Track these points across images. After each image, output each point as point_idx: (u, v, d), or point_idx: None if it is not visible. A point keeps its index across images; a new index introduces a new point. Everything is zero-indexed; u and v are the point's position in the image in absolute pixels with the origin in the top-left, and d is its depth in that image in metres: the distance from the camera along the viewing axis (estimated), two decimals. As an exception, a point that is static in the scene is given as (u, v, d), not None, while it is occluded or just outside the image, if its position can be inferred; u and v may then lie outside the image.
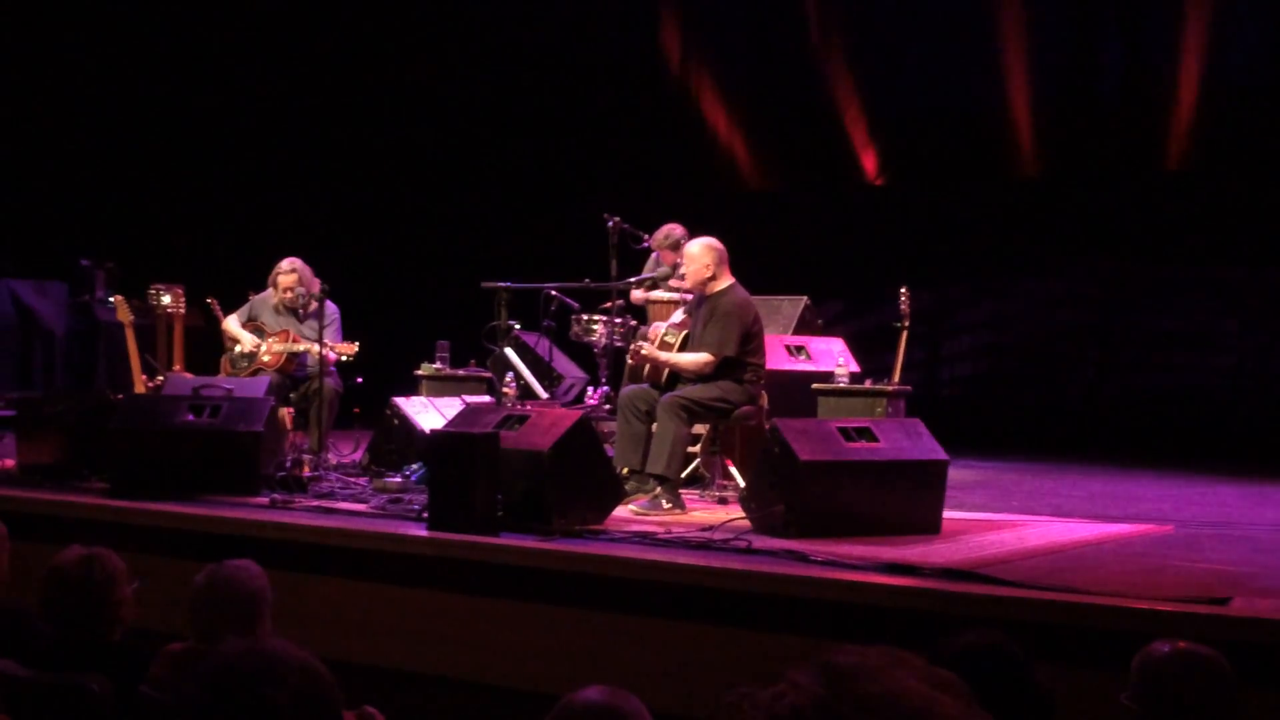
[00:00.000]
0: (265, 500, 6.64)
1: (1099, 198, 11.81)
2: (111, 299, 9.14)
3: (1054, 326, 12.14)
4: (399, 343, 9.76)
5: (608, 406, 8.15)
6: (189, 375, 8.13)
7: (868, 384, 8.11)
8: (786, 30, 12.92)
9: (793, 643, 4.83)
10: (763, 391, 7.15)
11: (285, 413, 8.01)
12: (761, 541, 5.64)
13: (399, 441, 7.88)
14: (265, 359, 8.23)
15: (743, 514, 6.24)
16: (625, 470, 6.84)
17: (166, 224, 12.47)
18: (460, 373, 8.98)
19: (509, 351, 8.56)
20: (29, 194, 12.01)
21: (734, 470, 7.26)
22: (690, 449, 7.20)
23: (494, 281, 8.46)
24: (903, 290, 8.38)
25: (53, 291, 11.68)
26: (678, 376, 7.01)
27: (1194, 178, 11.41)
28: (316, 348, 7.85)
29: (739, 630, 5.02)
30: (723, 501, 7.08)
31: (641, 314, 8.71)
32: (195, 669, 1.81)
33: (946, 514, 6.28)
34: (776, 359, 7.98)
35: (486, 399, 8.36)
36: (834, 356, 8.35)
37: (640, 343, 7.32)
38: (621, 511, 6.37)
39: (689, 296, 7.49)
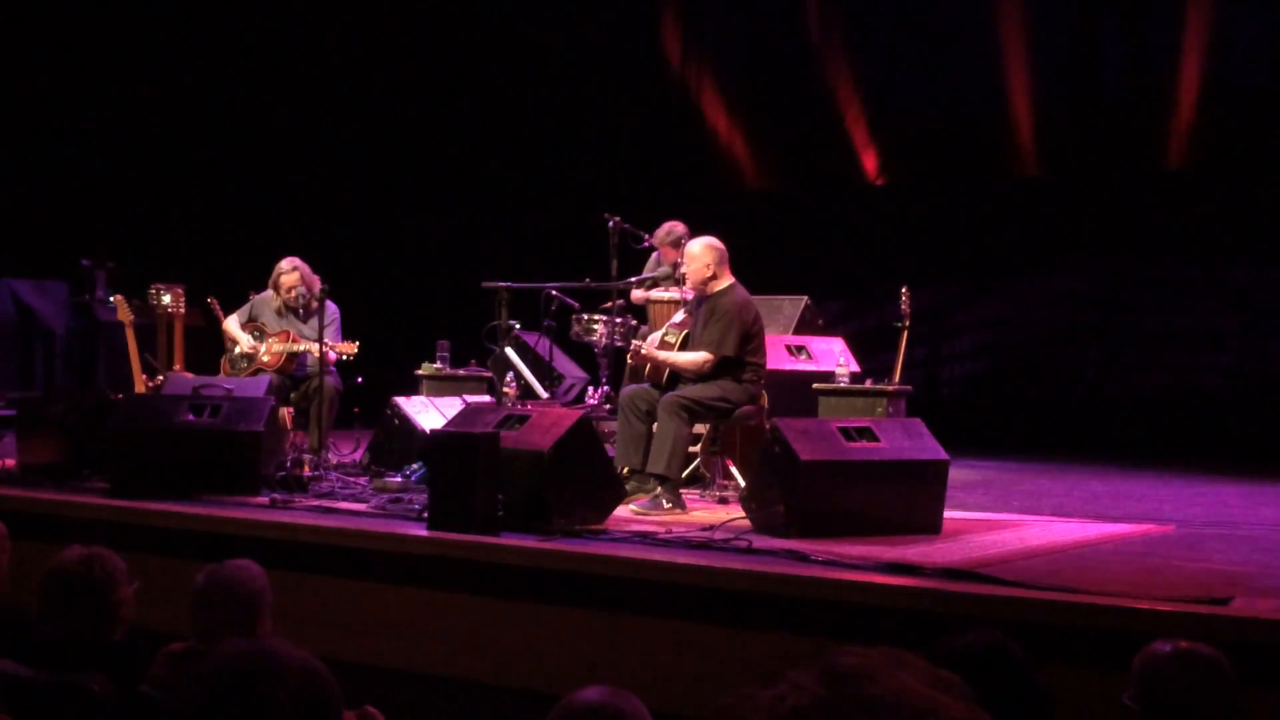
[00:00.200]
0: (265, 500, 6.64)
1: (1099, 197, 11.80)
2: (112, 299, 9.15)
3: (1054, 326, 12.14)
4: (399, 342, 9.77)
5: (608, 406, 8.15)
6: (189, 375, 8.13)
7: (868, 384, 8.12)
8: (787, 30, 12.92)
9: (793, 643, 4.83)
10: (763, 391, 7.15)
11: (285, 412, 8.01)
12: (762, 541, 5.64)
13: (399, 441, 7.88)
14: (265, 359, 8.23)
15: (743, 514, 6.24)
16: (626, 470, 6.84)
17: (167, 224, 12.48)
18: (461, 372, 8.99)
19: (509, 351, 8.56)
20: (29, 194, 12.01)
21: (734, 470, 7.26)
22: (691, 449, 7.20)
23: (494, 281, 8.47)
24: (903, 290, 8.38)
25: (53, 291, 11.68)
26: (678, 376, 7.01)
27: (1194, 177, 11.41)
28: (316, 347, 7.85)
29: (739, 630, 5.02)
30: (723, 501, 7.08)
31: (642, 313, 8.71)
32: (195, 669, 1.81)
33: (947, 514, 6.28)
34: (777, 359, 7.98)
35: (487, 399, 8.36)
36: (835, 356, 8.35)
37: (640, 342, 7.32)
38: (622, 511, 6.37)
39: (689, 296, 7.49)
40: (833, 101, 12.56)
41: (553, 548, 5.53)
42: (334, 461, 8.04)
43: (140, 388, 8.31)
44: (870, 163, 12.69)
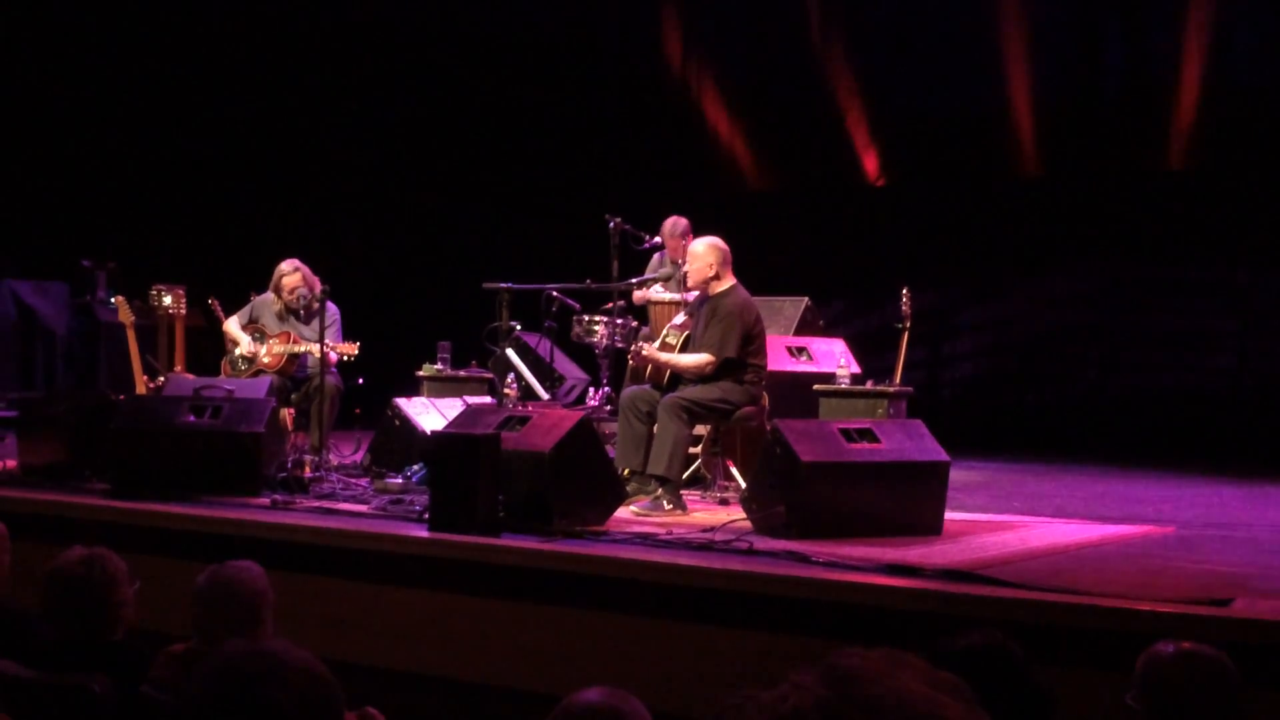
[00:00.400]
0: (266, 501, 6.64)
1: (1100, 198, 11.81)
2: (113, 299, 9.15)
3: (1055, 327, 12.15)
4: (400, 343, 9.77)
5: (609, 407, 8.15)
6: (190, 376, 8.13)
7: (869, 385, 8.11)
8: (788, 30, 12.92)
9: (794, 644, 4.83)
10: (764, 392, 7.15)
11: (286, 414, 8.01)
12: (763, 543, 5.64)
13: (400, 442, 7.88)
14: (266, 360, 8.22)
15: (744, 515, 6.24)
16: (626, 471, 6.84)
17: (168, 225, 12.48)
18: (461, 374, 8.99)
19: (510, 352, 8.56)
20: (30, 194, 12.01)
21: (735, 471, 7.26)
22: (691, 450, 7.20)
23: (495, 282, 8.47)
24: (904, 291, 8.37)
25: (54, 292, 11.68)
26: (679, 377, 7.01)
27: (1195, 178, 11.41)
28: (317, 349, 7.85)
29: (740, 631, 5.02)
30: (724, 502, 7.08)
31: (643, 315, 8.71)
32: (196, 670, 1.81)
33: (948, 515, 6.27)
34: (778, 360, 7.98)
35: (488, 400, 8.36)
36: (835, 357, 8.35)
37: (641, 343, 7.32)
38: (623, 512, 6.37)
39: (690, 297, 7.49)
40: (833, 102, 12.56)
41: (553, 549, 5.53)
42: (335, 463, 8.04)
43: (141, 389, 8.31)
44: (871, 163, 12.69)
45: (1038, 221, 12.07)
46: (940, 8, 12.47)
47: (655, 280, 8.72)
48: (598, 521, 6.03)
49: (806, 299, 9.11)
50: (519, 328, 8.69)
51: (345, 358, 8.04)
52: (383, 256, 13.09)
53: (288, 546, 5.98)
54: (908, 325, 8.31)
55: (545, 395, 8.64)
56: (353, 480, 7.44)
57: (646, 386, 7.11)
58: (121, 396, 7.87)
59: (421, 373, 8.96)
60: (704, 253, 7.05)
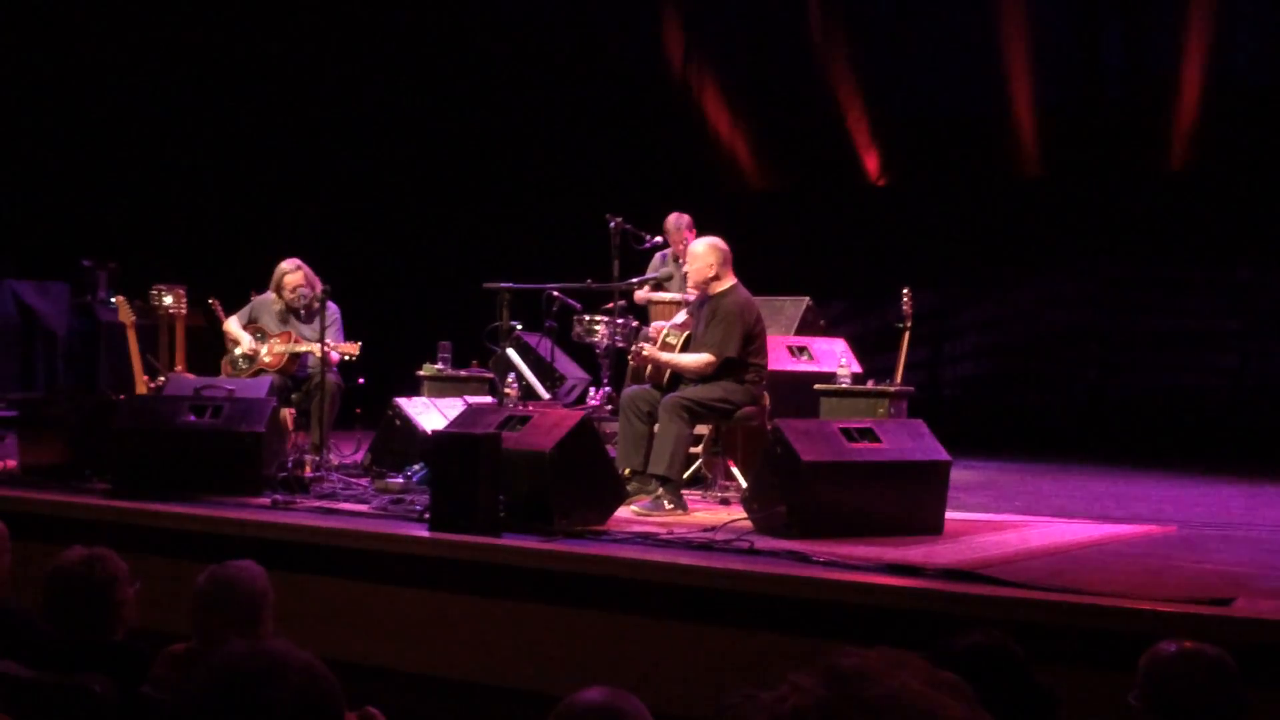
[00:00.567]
0: (267, 501, 6.64)
1: (1101, 198, 11.81)
2: (113, 299, 9.15)
3: (1056, 327, 12.14)
4: (401, 343, 9.77)
5: (609, 407, 8.15)
6: (191, 376, 8.13)
7: (870, 384, 8.11)
8: (789, 30, 12.92)
9: (794, 644, 4.83)
10: (765, 392, 7.15)
11: (287, 413, 8.01)
12: (763, 542, 5.64)
13: (401, 442, 7.88)
14: (267, 360, 8.22)
15: (745, 515, 6.24)
16: (627, 471, 6.84)
17: (168, 225, 12.47)
18: (462, 373, 8.98)
19: (511, 352, 8.56)
20: (31, 194, 12.01)
21: (736, 471, 7.26)
22: (692, 449, 7.20)
23: (496, 282, 8.46)
24: (905, 291, 8.37)
25: (55, 292, 11.68)
26: (680, 377, 7.00)
27: (1197, 178, 11.41)
28: (318, 348, 7.85)
29: (741, 631, 5.02)
30: (725, 502, 7.08)
31: (643, 314, 8.71)
32: (197, 670, 1.80)
33: (949, 515, 6.27)
34: (779, 359, 7.98)
35: (488, 400, 8.36)
36: (836, 357, 8.34)
37: (642, 343, 7.32)
38: (623, 512, 6.37)
39: (690, 297, 7.49)
40: (834, 102, 12.56)
41: (554, 548, 5.53)
42: (335, 462, 8.04)
43: (142, 389, 8.31)
44: (872, 163, 12.69)
45: (1038, 222, 12.06)
46: (940, 8, 12.48)
47: (656, 280, 8.73)
48: (598, 521, 6.03)
49: (807, 299, 9.10)
50: (520, 327, 8.69)
51: (347, 357, 8.04)
52: (383, 256, 13.08)
53: (288, 546, 5.98)
54: (908, 325, 8.31)
55: (546, 395, 8.64)
56: (353, 480, 7.44)
57: (647, 386, 7.11)
58: (122, 396, 7.87)
59: (422, 372, 8.96)
60: (704, 253, 7.04)
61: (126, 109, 12.44)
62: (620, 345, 8.31)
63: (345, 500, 6.79)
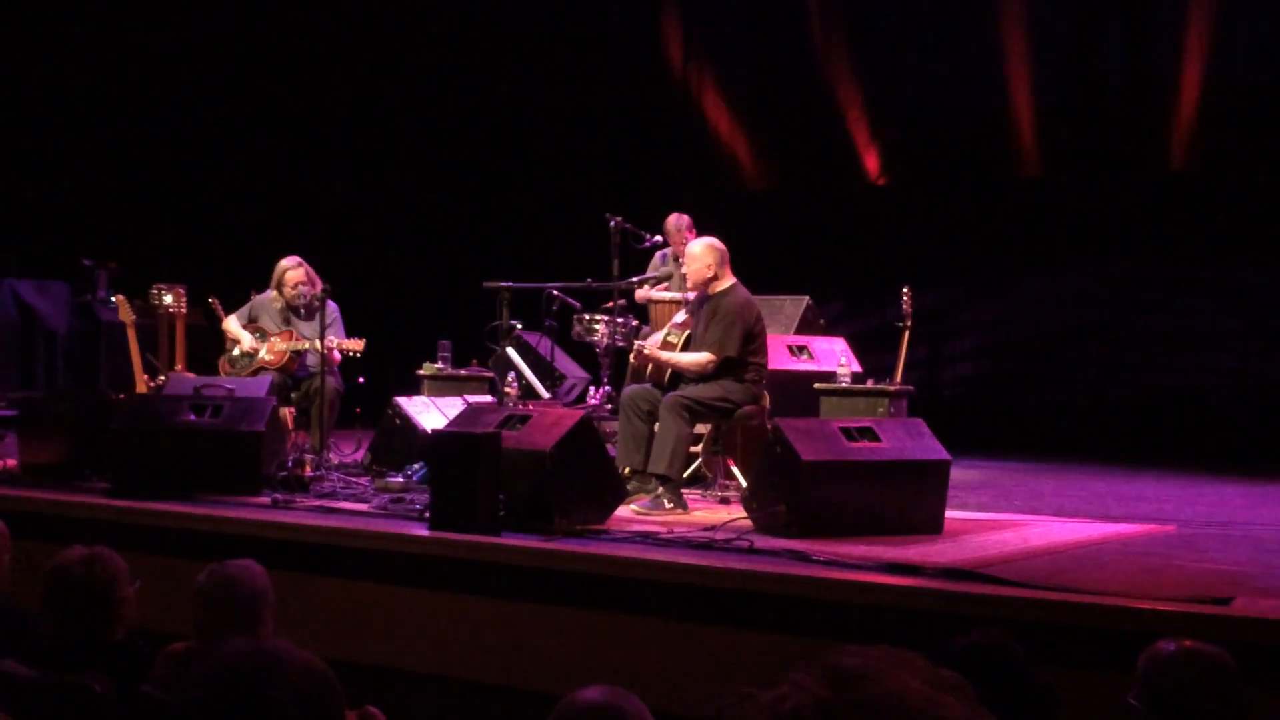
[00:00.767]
0: (267, 500, 6.64)
1: (1101, 197, 11.81)
2: (113, 299, 9.15)
3: (1056, 326, 12.14)
4: (401, 342, 9.77)
5: (609, 406, 8.15)
6: (191, 375, 8.13)
7: (870, 384, 8.12)
8: (788, 30, 12.92)
9: (794, 643, 4.83)
10: (765, 391, 7.15)
11: (287, 412, 8.01)
12: (763, 541, 5.64)
13: (401, 441, 7.88)
14: (268, 357, 8.22)
15: (745, 514, 6.24)
16: (627, 470, 6.84)
17: (168, 224, 12.47)
18: (462, 372, 8.99)
19: (511, 351, 8.56)
20: (31, 193, 12.00)
21: (736, 470, 7.26)
22: (692, 449, 7.20)
23: (496, 281, 8.47)
24: (905, 290, 8.38)
25: (54, 291, 11.68)
26: (680, 376, 7.00)
27: (1196, 177, 11.42)
28: (320, 346, 7.85)
29: (741, 630, 5.02)
30: (725, 501, 7.08)
31: (644, 313, 8.71)
32: (197, 669, 1.80)
33: (948, 514, 6.27)
34: (779, 359, 7.98)
35: (488, 399, 8.36)
36: (836, 356, 8.35)
37: (642, 343, 7.32)
38: (623, 511, 6.37)
39: (690, 297, 7.49)
40: (834, 101, 12.56)
41: (554, 548, 5.53)
42: (335, 461, 8.04)
43: (142, 388, 8.31)
44: (872, 162, 12.69)
45: (1038, 221, 12.06)
46: (940, 8, 12.48)
47: (656, 279, 8.73)
48: (598, 520, 6.03)
49: (807, 298, 9.11)
50: (519, 326, 8.69)
51: (352, 353, 8.03)
52: (383, 256, 13.08)
53: (288, 545, 5.98)
54: (908, 324, 8.31)
55: (546, 394, 8.64)
56: (353, 479, 7.44)
57: (647, 385, 7.11)
58: (122, 395, 7.86)
59: (422, 371, 8.96)
60: (701, 253, 7.04)
61: (126, 109, 12.44)
62: (620, 344, 8.31)
63: (345, 499, 6.79)
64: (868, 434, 6.21)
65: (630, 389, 7.17)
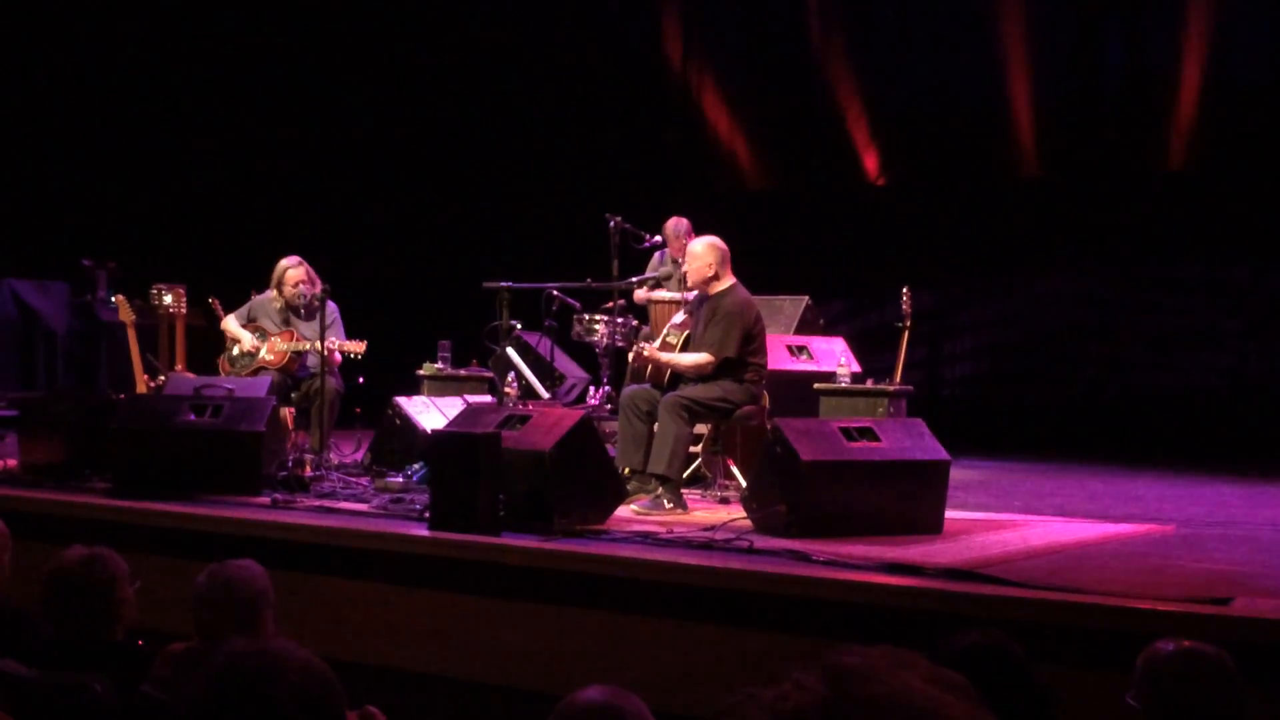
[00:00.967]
0: (267, 500, 6.64)
1: (1100, 197, 11.81)
2: (113, 299, 9.15)
3: (1055, 326, 12.15)
4: (401, 342, 9.76)
5: (609, 406, 8.15)
6: (191, 375, 8.13)
7: (869, 384, 8.12)
8: (788, 30, 12.92)
9: (794, 643, 4.83)
10: (764, 391, 7.15)
11: (287, 412, 8.01)
12: (763, 541, 5.64)
13: (401, 441, 7.88)
14: (269, 357, 8.22)
15: (744, 514, 6.24)
16: (627, 470, 6.84)
17: (168, 224, 12.47)
18: (462, 372, 8.99)
19: (510, 351, 8.56)
20: (31, 194, 12.01)
21: (736, 470, 7.26)
22: (692, 449, 7.20)
23: (495, 281, 8.47)
24: (904, 290, 8.38)
25: (54, 291, 11.68)
26: (679, 376, 7.00)
27: (1195, 178, 11.42)
28: (320, 347, 7.85)
29: (741, 630, 5.02)
30: (724, 501, 7.08)
31: (643, 314, 8.71)
32: (197, 669, 1.81)
33: (948, 514, 6.27)
34: (778, 359, 7.98)
35: (488, 399, 8.36)
36: (835, 356, 8.35)
37: (641, 343, 7.32)
38: (623, 511, 6.37)
39: (690, 298, 7.49)
40: (834, 101, 12.56)
41: (554, 548, 5.53)
42: (335, 461, 8.04)
43: (142, 388, 8.31)
44: (871, 162, 12.69)
45: (1037, 221, 12.07)
46: (940, 7, 12.47)
47: (656, 279, 8.73)
48: (598, 520, 6.03)
49: (807, 298, 9.11)
50: (519, 326, 8.69)
51: (353, 355, 8.04)
52: (383, 256, 13.08)
53: (288, 545, 5.98)
54: (908, 324, 8.32)
55: (545, 394, 8.64)
56: (353, 479, 7.44)
57: (647, 385, 7.11)
58: (122, 396, 7.87)
59: (422, 371, 8.96)
60: (702, 252, 7.04)
61: (127, 109, 12.44)
62: (620, 345, 8.31)
63: (345, 499, 6.79)
64: (867, 434, 6.21)
65: (630, 389, 7.18)
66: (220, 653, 1.80)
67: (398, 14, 13.39)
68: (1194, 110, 11.21)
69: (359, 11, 13.39)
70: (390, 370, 9.14)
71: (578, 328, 8.68)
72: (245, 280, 8.91)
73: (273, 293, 8.38)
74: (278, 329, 8.30)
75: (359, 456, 8.27)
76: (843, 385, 7.96)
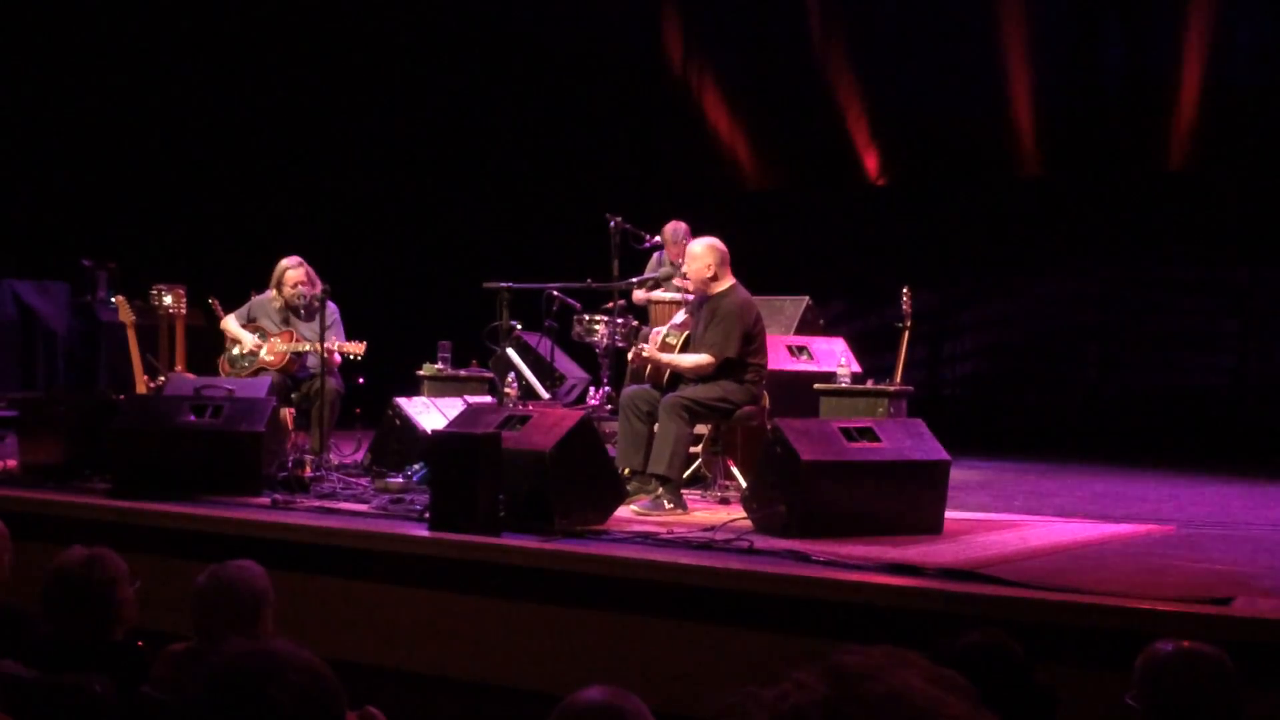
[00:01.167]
0: (267, 500, 6.63)
1: (1100, 197, 11.81)
2: (113, 299, 9.15)
3: (1056, 326, 12.15)
4: (401, 343, 9.76)
5: (609, 407, 8.15)
6: (191, 375, 8.13)
7: (869, 384, 8.12)
8: (788, 29, 12.92)
9: (794, 643, 4.83)
10: (764, 391, 7.15)
11: (287, 413, 8.00)
12: (763, 542, 5.64)
13: (401, 442, 7.88)
14: (268, 358, 8.21)
15: (744, 514, 6.24)
16: (627, 471, 6.84)
17: (168, 224, 12.47)
18: (462, 373, 8.99)
19: (511, 352, 8.56)
20: (31, 194, 12.01)
21: (736, 470, 7.26)
22: (692, 449, 7.20)
23: (496, 281, 8.46)
24: (904, 290, 8.38)
25: (55, 291, 11.68)
26: (679, 377, 7.00)
27: (1195, 178, 11.42)
28: (320, 347, 7.85)
29: (741, 630, 5.02)
30: (724, 502, 7.08)
31: (643, 314, 8.71)
32: (197, 669, 1.81)
33: (948, 514, 6.27)
34: (778, 359, 7.98)
35: (488, 399, 8.36)
36: (836, 356, 8.35)
37: (642, 344, 7.32)
38: (623, 512, 6.37)
39: (690, 297, 7.49)
40: (834, 101, 12.57)
41: (554, 548, 5.53)
42: (335, 462, 8.04)
43: (142, 388, 8.31)
44: (871, 163, 12.70)
45: (1037, 221, 12.07)
46: (940, 8, 12.47)
47: (655, 280, 8.73)
48: (598, 521, 6.03)
49: (807, 298, 9.11)
50: (519, 327, 8.69)
51: (352, 356, 8.04)
52: (383, 256, 13.08)
53: (288, 546, 5.98)
54: (908, 325, 8.32)
55: (546, 394, 8.64)
56: (353, 480, 7.43)
57: (647, 386, 7.11)
58: (122, 396, 7.87)
59: (422, 372, 8.96)
60: (702, 253, 7.04)
61: (126, 109, 12.44)
62: (620, 345, 8.31)
63: (345, 500, 6.79)
64: (867, 434, 6.21)
65: (630, 390, 7.18)
66: (220, 653, 1.80)
67: (398, 14, 13.39)
68: (1194, 110, 11.21)
69: (359, 12, 13.39)
70: (390, 371, 9.14)
71: (578, 328, 8.68)
72: (245, 280, 8.91)
73: (273, 293, 8.38)
74: (277, 329, 8.30)
75: (359, 457, 8.27)
76: (843, 385, 7.96)
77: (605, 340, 8.47)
